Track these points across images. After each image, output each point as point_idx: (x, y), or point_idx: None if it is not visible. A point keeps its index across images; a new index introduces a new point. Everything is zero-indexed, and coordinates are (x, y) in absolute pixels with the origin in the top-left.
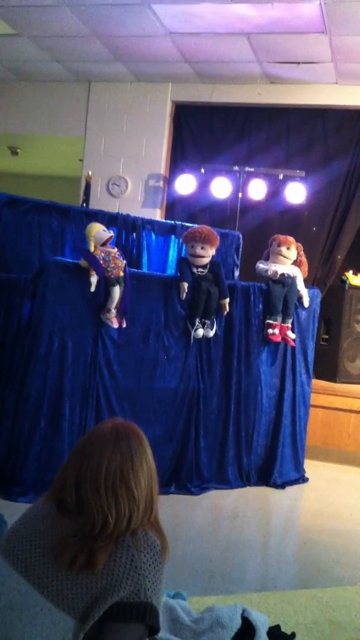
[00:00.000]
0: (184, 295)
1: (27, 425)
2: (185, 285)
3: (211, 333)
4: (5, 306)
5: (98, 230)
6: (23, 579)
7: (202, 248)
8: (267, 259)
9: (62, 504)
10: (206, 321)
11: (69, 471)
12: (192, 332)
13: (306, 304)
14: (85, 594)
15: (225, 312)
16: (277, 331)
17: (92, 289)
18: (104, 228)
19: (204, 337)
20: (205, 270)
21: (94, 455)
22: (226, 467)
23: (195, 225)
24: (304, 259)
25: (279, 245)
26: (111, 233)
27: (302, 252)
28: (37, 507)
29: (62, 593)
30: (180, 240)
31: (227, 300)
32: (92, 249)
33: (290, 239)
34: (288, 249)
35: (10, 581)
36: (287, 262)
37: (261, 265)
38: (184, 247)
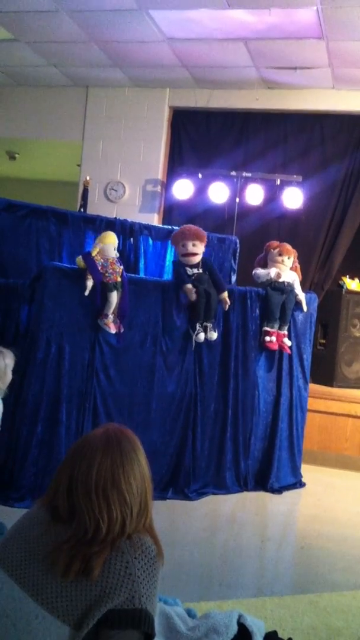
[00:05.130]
0: (194, 296)
1: (25, 430)
2: (190, 285)
3: (214, 335)
4: (3, 311)
5: (110, 244)
6: (17, 586)
7: (194, 245)
8: (262, 264)
9: (56, 510)
10: (208, 324)
11: (61, 477)
12: (194, 337)
13: (305, 308)
14: (80, 601)
15: (227, 306)
16: (274, 339)
17: (86, 292)
18: (116, 246)
19: (206, 340)
20: (200, 270)
21: (84, 461)
22: (224, 472)
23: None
24: (297, 264)
25: (281, 254)
26: (117, 255)
27: (296, 258)
28: (32, 513)
29: (57, 600)
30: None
31: (226, 293)
32: (94, 253)
33: (290, 248)
34: (289, 258)
35: (5, 588)
36: (286, 270)
37: (260, 271)
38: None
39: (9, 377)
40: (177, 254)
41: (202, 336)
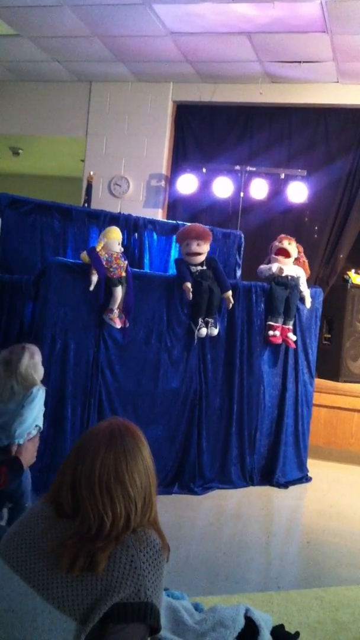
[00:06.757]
0: (190, 295)
1: None
2: (189, 284)
3: (215, 331)
4: (7, 307)
5: (114, 239)
6: (23, 582)
7: (198, 245)
8: (267, 263)
9: (60, 506)
10: (209, 320)
11: (65, 473)
12: (196, 332)
13: (308, 304)
14: (86, 595)
15: (231, 305)
16: (277, 333)
17: (91, 288)
18: (120, 241)
19: (208, 336)
20: (203, 267)
21: (88, 456)
22: (229, 466)
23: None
24: (304, 259)
25: (280, 241)
26: (121, 250)
27: (302, 253)
28: (37, 508)
29: (63, 595)
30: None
31: (230, 292)
32: (98, 248)
33: (289, 236)
34: (289, 243)
35: (11, 584)
36: (289, 261)
37: (262, 267)
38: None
39: (41, 371)
40: (180, 252)
41: (203, 331)
